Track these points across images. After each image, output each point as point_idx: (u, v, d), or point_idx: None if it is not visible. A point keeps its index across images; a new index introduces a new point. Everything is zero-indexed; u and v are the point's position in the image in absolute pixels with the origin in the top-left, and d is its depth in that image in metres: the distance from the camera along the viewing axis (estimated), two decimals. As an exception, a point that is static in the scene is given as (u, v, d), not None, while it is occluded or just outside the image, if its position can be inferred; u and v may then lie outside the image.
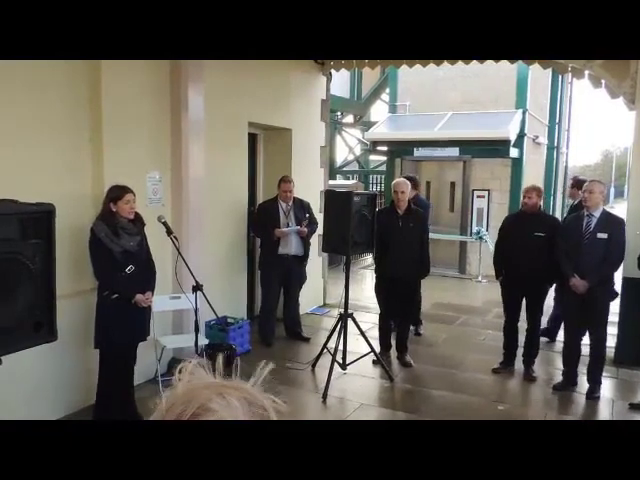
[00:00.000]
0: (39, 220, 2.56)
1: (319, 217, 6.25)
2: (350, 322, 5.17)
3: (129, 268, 3.96)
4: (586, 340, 4.99)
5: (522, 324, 5.45)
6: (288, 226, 6.08)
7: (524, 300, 5.36)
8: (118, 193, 3.97)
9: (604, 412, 4.73)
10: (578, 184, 6.16)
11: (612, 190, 39.87)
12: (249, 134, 6.40)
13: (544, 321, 5.92)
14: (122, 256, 3.94)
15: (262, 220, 6.16)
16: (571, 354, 5.03)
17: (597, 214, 4.73)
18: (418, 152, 10.64)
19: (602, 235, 4.66)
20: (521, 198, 5.43)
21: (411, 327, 6.72)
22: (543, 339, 6.05)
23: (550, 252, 5.01)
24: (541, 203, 5.40)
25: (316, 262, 7.32)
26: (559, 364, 5.45)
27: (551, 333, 6.38)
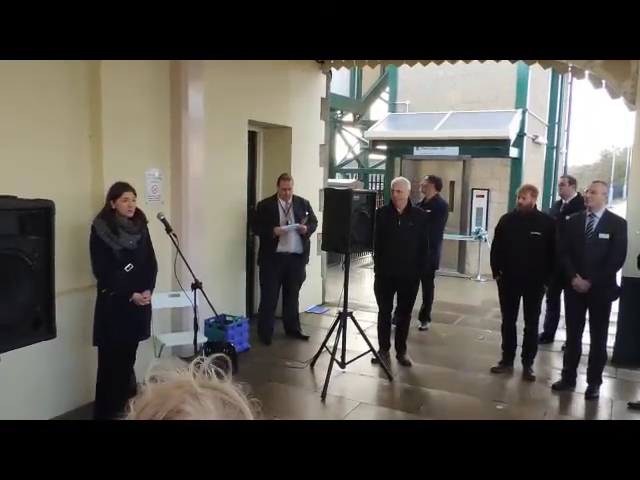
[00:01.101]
0: (38, 216, 2.56)
1: (318, 216, 6.25)
2: (349, 321, 5.18)
3: (128, 267, 3.96)
4: (586, 340, 4.99)
5: (520, 324, 5.45)
6: (287, 224, 6.08)
7: (522, 300, 5.36)
8: (117, 191, 3.96)
9: (603, 412, 4.73)
10: (572, 182, 6.15)
11: (611, 190, 39.91)
12: (249, 132, 6.39)
13: (540, 324, 5.91)
14: (121, 254, 3.94)
15: (262, 218, 6.15)
16: (572, 353, 5.03)
17: (599, 214, 4.74)
18: (418, 151, 10.63)
19: (604, 235, 4.67)
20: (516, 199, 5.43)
21: (417, 321, 6.74)
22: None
23: (547, 251, 5.02)
24: (537, 202, 5.40)
25: (315, 261, 7.31)
26: (557, 363, 5.46)
27: (548, 335, 6.37)
